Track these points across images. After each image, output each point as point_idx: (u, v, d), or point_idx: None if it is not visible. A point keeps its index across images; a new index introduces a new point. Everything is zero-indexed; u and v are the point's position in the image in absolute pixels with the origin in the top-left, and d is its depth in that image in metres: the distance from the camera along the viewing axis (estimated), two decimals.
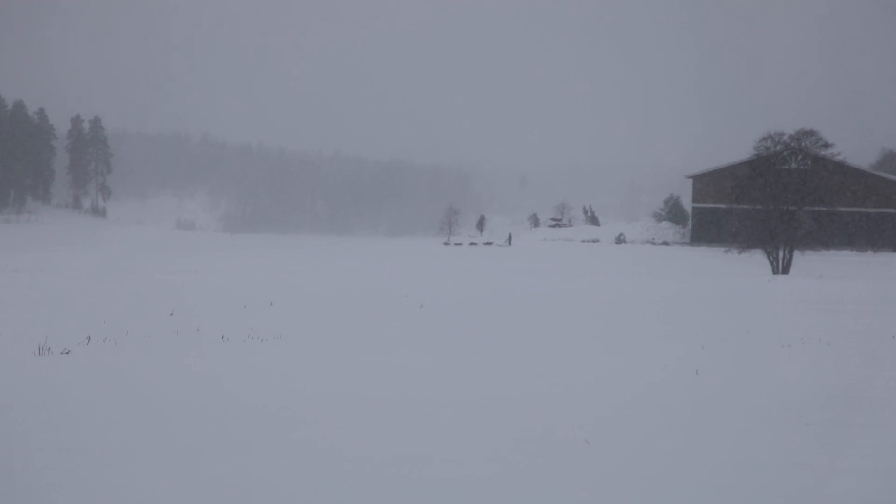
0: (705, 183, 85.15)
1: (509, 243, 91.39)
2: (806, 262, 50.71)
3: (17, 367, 10.81)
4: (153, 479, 6.32)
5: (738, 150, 66.70)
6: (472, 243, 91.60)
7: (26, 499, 5.94)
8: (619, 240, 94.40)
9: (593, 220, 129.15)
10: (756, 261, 50.38)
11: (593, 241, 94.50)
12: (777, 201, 48.68)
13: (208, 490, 6.13)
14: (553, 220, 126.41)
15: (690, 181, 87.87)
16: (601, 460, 6.94)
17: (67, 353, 12.08)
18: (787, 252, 47.27)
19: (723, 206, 67.69)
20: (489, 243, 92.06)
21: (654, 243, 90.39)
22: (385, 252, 70.47)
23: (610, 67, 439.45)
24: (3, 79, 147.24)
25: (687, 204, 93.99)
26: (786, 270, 46.48)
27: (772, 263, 47.23)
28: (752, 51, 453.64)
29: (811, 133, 50.78)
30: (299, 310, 19.64)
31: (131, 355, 12.01)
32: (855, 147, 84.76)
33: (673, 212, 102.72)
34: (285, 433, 7.61)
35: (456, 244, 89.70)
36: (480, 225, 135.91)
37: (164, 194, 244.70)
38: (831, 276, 38.60)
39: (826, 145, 50.85)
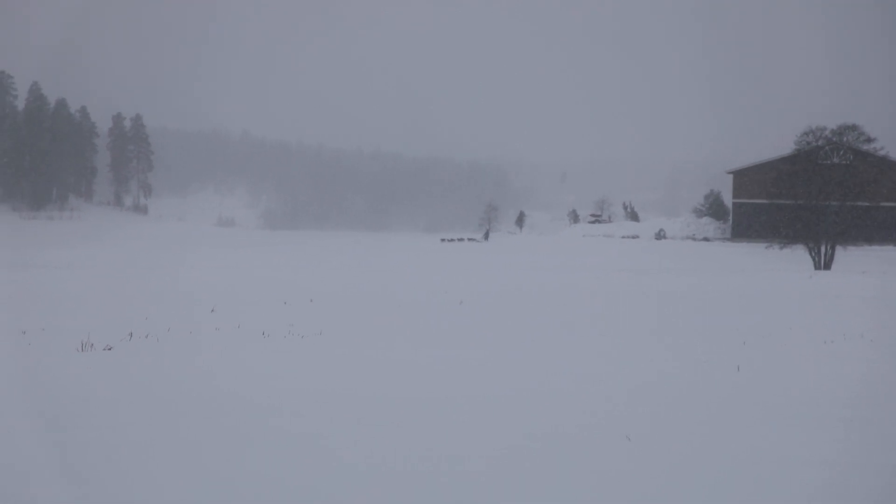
0: (746, 178, 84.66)
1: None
2: (848, 257, 50.30)
3: (60, 363, 10.92)
4: (181, 476, 6.37)
5: (779, 144, 66.29)
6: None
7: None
8: (660, 236, 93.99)
9: (633, 216, 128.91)
10: (797, 256, 50.03)
11: (633, 237, 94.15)
12: (819, 196, 48.31)
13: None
14: (593, 215, 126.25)
15: (731, 177, 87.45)
16: (639, 456, 6.93)
17: (110, 349, 12.18)
18: (829, 247, 46.89)
19: (764, 201, 67.13)
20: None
21: (694, 239, 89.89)
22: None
23: (651, 61, 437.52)
24: (45, 77, 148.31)
25: (728, 199, 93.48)
26: (828, 266, 46.11)
27: (813, 259, 46.86)
28: (792, 44, 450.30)
29: (853, 128, 50.32)
30: (340, 306, 19.69)
31: (172, 351, 12.09)
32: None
33: (713, 207, 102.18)
34: (316, 435, 7.64)
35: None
36: (520, 221, 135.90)
37: (205, 191, 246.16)
38: (874, 272, 38.23)
39: (868, 140, 50.34)
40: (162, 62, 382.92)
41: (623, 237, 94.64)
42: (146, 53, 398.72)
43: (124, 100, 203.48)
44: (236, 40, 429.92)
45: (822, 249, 46.90)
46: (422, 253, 63.88)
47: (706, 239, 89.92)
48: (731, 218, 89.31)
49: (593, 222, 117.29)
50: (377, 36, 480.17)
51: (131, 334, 13.63)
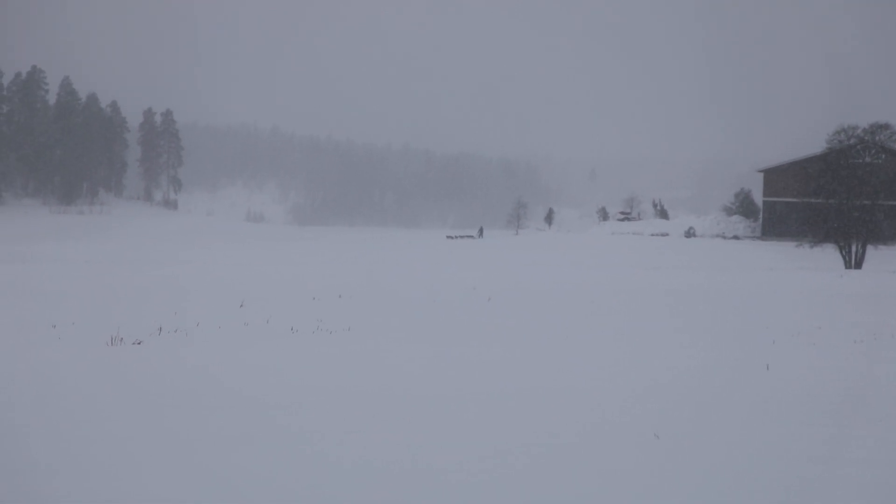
0: (777, 177, 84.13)
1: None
2: (879, 256, 49.99)
3: (89, 357, 10.98)
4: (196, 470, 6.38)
5: (809, 142, 65.86)
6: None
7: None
8: (689, 234, 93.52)
9: (663, 214, 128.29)
10: (828, 255, 49.73)
11: (662, 235, 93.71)
12: (850, 195, 47.99)
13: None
14: (622, 213, 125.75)
15: (762, 175, 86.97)
16: (669, 453, 6.90)
17: (139, 343, 12.23)
18: (860, 246, 46.60)
19: (795, 199, 66.76)
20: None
21: (724, 237, 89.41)
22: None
23: (681, 60, 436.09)
24: (77, 73, 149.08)
25: (758, 198, 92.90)
26: (858, 265, 45.81)
27: (844, 258, 46.57)
28: (825, 40, 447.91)
29: (886, 126, 49.90)
30: (370, 302, 19.70)
31: (200, 347, 12.13)
32: None
33: (744, 206, 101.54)
34: (338, 434, 7.65)
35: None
36: (549, 218, 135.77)
37: (235, 186, 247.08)
38: None
39: None
40: (193, 58, 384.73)
41: (652, 235, 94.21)
42: (177, 49, 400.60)
43: (155, 95, 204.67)
44: (267, 37, 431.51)
45: (853, 248, 46.61)
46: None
47: (736, 237, 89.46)
48: (761, 216, 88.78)
49: (622, 220, 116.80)
50: (409, 33, 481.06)
51: (160, 329, 13.69)
